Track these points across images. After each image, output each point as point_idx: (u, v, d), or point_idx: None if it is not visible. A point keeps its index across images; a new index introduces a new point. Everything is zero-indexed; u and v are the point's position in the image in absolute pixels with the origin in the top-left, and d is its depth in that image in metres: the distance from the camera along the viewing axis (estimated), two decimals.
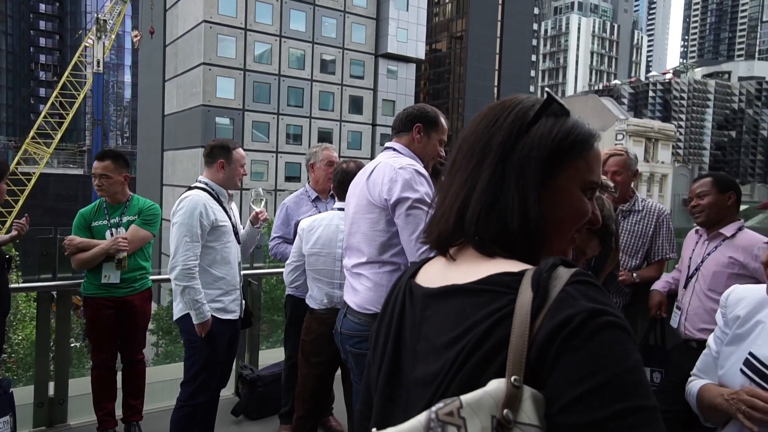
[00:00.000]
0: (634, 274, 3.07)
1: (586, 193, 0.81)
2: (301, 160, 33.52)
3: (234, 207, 3.18)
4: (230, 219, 3.03)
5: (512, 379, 0.63)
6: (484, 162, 0.80)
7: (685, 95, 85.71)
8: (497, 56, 75.03)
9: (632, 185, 3.19)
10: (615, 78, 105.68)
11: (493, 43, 73.74)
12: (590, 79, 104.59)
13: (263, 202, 3.27)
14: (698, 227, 2.87)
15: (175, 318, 2.96)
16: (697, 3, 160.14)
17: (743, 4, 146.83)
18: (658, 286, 3.06)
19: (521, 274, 0.71)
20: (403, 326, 0.84)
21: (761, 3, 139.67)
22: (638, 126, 39.68)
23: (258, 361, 4.11)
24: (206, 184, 3.01)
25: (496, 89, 76.45)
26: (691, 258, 2.85)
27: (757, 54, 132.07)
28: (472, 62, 70.19)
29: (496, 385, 0.63)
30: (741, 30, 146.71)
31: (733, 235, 2.68)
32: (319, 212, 3.38)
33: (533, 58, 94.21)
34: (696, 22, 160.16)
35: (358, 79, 40.65)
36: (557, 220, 0.79)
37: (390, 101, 42.69)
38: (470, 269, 0.77)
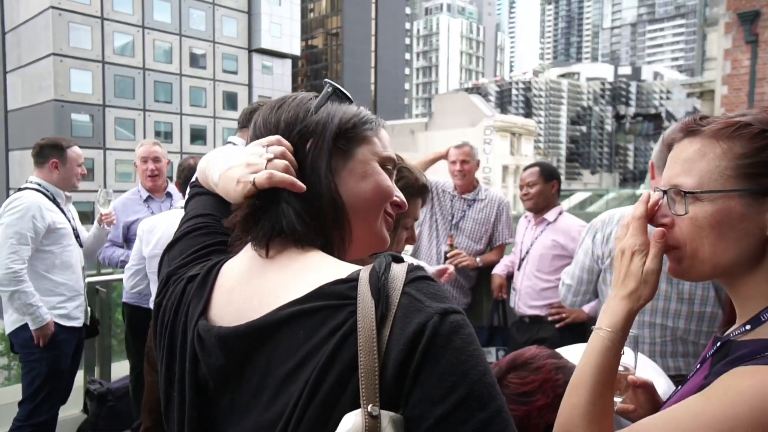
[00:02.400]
0: (478, 259, 3.33)
1: (385, 170, 0.80)
2: (175, 159, 31.66)
3: (72, 208, 3.02)
4: (69, 221, 2.88)
5: (368, 408, 0.56)
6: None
7: (543, 93, 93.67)
8: (373, 53, 76.45)
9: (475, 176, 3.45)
10: (483, 77, 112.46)
11: (368, 41, 75.04)
12: (461, 78, 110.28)
13: (111, 204, 3.10)
14: (527, 213, 3.17)
15: (7, 332, 2.72)
16: (549, 9, 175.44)
17: (587, 12, 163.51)
18: (498, 269, 3.34)
19: (355, 279, 0.64)
20: (199, 377, 0.71)
21: (601, 12, 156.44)
22: (504, 122, 42.63)
23: (110, 375, 3.85)
24: (39, 185, 2.83)
25: (373, 86, 77.90)
26: (522, 242, 3.14)
27: (600, 57, 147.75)
28: (348, 59, 70.85)
29: (352, 421, 0.56)
30: (586, 35, 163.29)
31: (555, 220, 3.01)
32: (153, 212, 3.25)
33: (407, 56, 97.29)
34: (549, 26, 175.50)
35: (232, 74, 39.25)
36: (362, 194, 0.76)
37: (266, 97, 41.63)
38: (290, 278, 0.68)
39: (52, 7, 31.11)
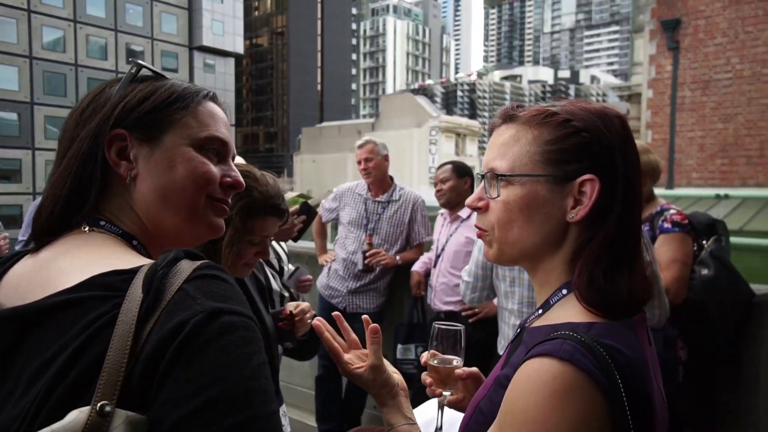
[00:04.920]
0: (398, 257, 3.35)
1: (204, 153, 0.76)
2: None
3: None
4: None
5: (98, 406, 0.53)
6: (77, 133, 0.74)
7: (487, 95, 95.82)
8: (319, 53, 75.91)
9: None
10: (429, 78, 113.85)
11: (315, 41, 74.44)
12: (407, 79, 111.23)
13: None
14: (443, 210, 3.22)
15: None
16: (493, 13, 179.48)
17: (529, 17, 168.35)
18: (417, 267, 3.38)
19: (134, 271, 0.61)
20: None
21: (542, 17, 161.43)
22: (449, 123, 43.28)
23: None
24: None
25: (319, 86, 77.40)
26: (438, 239, 3.19)
27: (541, 60, 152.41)
28: (294, 59, 70.06)
29: (74, 417, 0.52)
30: (528, 39, 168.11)
31: (468, 217, 3.07)
32: None
33: (354, 56, 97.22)
34: (493, 29, 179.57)
35: (172, 72, 37.92)
36: (172, 184, 0.73)
37: None
38: (75, 267, 0.65)
39: None
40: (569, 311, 0.76)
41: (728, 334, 2.28)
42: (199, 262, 0.62)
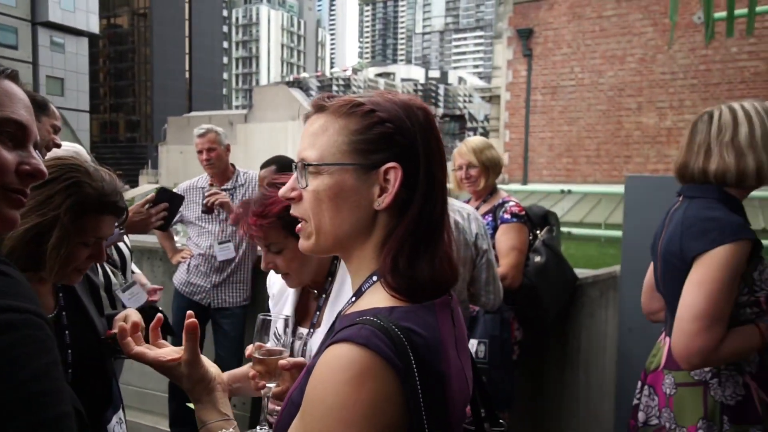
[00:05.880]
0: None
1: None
2: None
3: None
4: None
5: None
6: None
7: (361, 90, 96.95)
8: (187, 39, 71.73)
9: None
10: (304, 71, 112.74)
11: (182, 26, 70.20)
12: (282, 71, 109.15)
13: None
14: None
15: None
16: (367, 10, 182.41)
17: (402, 17, 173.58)
18: None
19: None
20: None
21: (414, 18, 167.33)
22: None
23: None
24: None
25: (188, 73, 73.17)
26: None
27: (413, 59, 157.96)
28: (159, 43, 65.42)
29: None
30: (401, 38, 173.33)
31: None
32: None
33: (225, 45, 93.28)
34: (368, 26, 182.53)
35: (10, 48, 33.66)
36: None
37: (57, 78, 36.70)
38: None
39: None
40: (376, 297, 0.78)
41: (556, 314, 2.55)
42: None
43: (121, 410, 1.85)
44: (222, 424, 0.91)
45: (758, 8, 6.49)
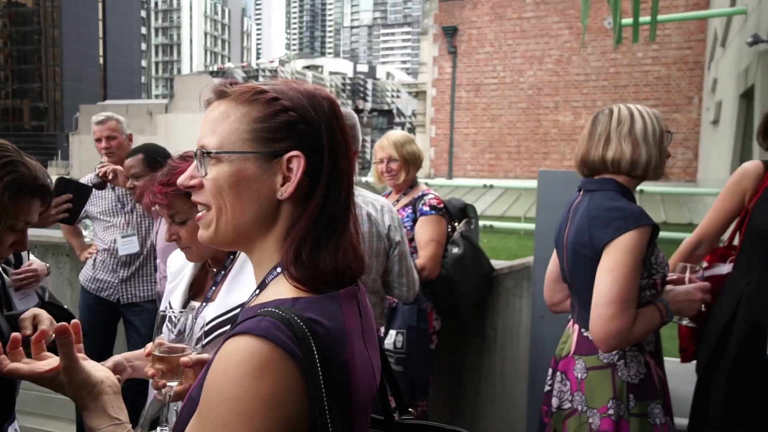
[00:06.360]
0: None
1: None
2: None
3: None
4: None
5: None
6: None
7: None
8: (100, 22, 67.54)
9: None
10: (229, 61, 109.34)
11: (95, 7, 66.00)
12: (206, 60, 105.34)
13: None
14: None
15: None
16: (294, 1, 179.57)
17: (330, 10, 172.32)
18: None
19: None
20: None
21: (342, 11, 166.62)
22: None
23: None
24: None
25: (102, 59, 68.97)
26: None
27: (341, 53, 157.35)
28: (68, 25, 61.19)
29: None
30: (329, 31, 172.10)
31: None
32: None
33: (144, 30, 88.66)
34: (296, 18, 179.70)
35: None
36: None
37: None
38: None
39: None
40: (279, 289, 0.77)
41: (473, 304, 2.63)
42: None
43: (16, 420, 1.71)
44: (113, 429, 0.86)
45: (659, 17, 7.01)
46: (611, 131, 1.60)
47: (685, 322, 1.70)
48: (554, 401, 1.70)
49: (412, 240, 2.46)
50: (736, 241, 1.90)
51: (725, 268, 1.90)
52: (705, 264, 1.96)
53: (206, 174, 0.79)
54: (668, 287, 1.64)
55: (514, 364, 2.75)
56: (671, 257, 1.96)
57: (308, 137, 0.78)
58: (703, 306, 1.70)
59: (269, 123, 0.77)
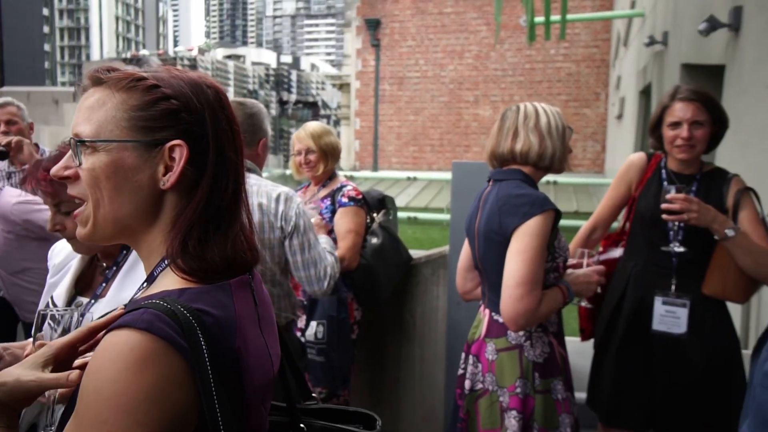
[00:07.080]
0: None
1: None
2: None
3: None
4: None
5: None
6: None
7: (209, 72, 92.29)
8: None
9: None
10: (144, 48, 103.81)
11: None
12: (118, 46, 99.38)
13: None
14: None
15: None
16: None
17: None
18: None
19: None
20: None
21: (264, 1, 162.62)
22: None
23: None
24: None
25: None
26: None
27: (264, 43, 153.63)
28: None
29: None
30: (251, 20, 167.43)
31: None
32: None
33: (46, 12, 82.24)
34: (215, 6, 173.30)
35: None
36: None
37: None
38: None
39: None
40: (167, 281, 0.75)
41: (392, 292, 2.69)
42: None
43: None
44: None
45: (568, 16, 7.40)
46: (519, 125, 1.70)
47: (584, 303, 1.84)
48: (467, 383, 1.78)
49: (331, 231, 2.47)
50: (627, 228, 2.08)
51: (617, 252, 2.08)
52: (600, 249, 2.12)
53: (81, 164, 0.76)
54: (569, 271, 1.76)
55: (432, 349, 2.84)
56: (571, 242, 2.11)
57: (191, 126, 0.76)
58: (599, 288, 1.84)
59: (148, 111, 0.75)
